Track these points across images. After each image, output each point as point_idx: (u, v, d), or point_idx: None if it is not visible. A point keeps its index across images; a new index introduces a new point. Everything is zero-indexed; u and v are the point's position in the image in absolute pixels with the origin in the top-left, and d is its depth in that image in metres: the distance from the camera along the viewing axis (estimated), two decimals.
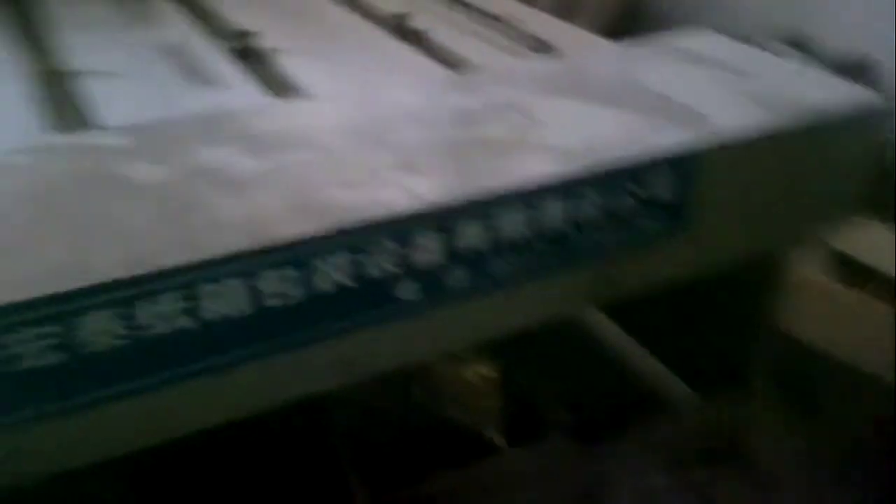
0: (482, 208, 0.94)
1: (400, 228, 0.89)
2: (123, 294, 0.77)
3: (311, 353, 0.90)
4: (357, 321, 0.91)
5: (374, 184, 0.95)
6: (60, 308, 0.74)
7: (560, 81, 1.27)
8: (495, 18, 1.65)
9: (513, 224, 0.96)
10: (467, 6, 1.74)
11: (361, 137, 1.07)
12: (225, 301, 0.82)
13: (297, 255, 0.84)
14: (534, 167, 1.00)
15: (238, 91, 1.32)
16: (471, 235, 0.94)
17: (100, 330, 0.77)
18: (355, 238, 0.87)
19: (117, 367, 0.79)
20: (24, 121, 1.20)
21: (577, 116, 1.15)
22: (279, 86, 1.35)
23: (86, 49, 1.47)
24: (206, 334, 0.82)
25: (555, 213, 0.99)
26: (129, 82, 1.34)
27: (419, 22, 1.68)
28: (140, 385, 0.82)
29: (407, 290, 0.92)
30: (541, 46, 1.53)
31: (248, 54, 1.46)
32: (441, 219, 0.91)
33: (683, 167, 1.07)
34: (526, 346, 1.36)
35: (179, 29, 1.61)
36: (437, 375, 1.42)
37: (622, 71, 1.31)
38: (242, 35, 1.50)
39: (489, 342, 1.19)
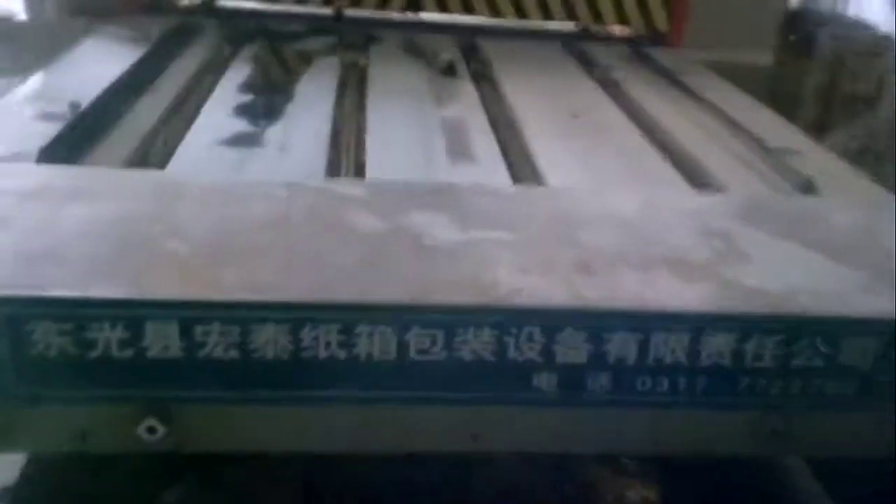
0: (636, 322, 0.96)
1: (548, 320, 0.94)
2: (289, 315, 0.91)
3: (439, 413, 0.98)
4: (488, 395, 0.97)
5: (545, 274, 1.01)
6: (238, 314, 0.90)
7: (791, 222, 1.24)
8: (767, 149, 1.62)
9: (668, 346, 0.97)
10: (747, 132, 1.71)
11: (561, 230, 1.14)
12: (376, 344, 0.93)
13: (445, 319, 0.93)
14: (707, 297, 1.00)
15: (487, 170, 1.44)
16: (620, 346, 0.96)
17: (269, 340, 0.91)
18: (502, 318, 0.93)
19: (276, 375, 0.93)
20: (312, 163, 1.43)
21: (788, 260, 1.12)
22: (524, 170, 1.47)
23: (385, 115, 1.70)
24: (354, 368, 0.94)
25: (717, 347, 0.97)
26: (404, 147, 1.54)
27: (680, 132, 1.71)
28: (290, 396, 0.95)
29: (544, 381, 0.97)
30: (803, 185, 1.47)
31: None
32: (591, 322, 0.95)
33: (886, 337, 1.00)
34: (699, 477, 1.32)
35: (465, 109, 1.80)
36: (598, 484, 1.41)
37: (870, 226, 1.24)
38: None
39: (634, 457, 1.17)
